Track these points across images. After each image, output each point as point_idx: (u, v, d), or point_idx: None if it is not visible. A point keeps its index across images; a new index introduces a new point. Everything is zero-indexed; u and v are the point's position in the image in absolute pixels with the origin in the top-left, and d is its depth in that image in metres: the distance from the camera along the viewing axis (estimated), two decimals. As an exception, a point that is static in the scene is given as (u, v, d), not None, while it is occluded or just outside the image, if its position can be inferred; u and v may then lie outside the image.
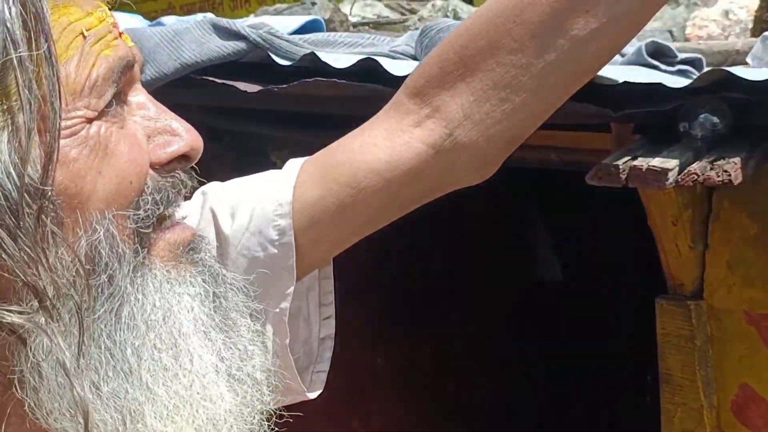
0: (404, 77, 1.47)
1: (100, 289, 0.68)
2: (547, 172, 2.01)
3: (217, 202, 0.99)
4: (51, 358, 0.64)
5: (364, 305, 2.94)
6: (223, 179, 2.50)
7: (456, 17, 2.49)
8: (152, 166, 0.73)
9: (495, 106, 0.90)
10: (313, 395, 1.01)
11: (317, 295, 1.02)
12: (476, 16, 0.91)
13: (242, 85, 1.51)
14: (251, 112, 2.04)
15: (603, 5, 0.85)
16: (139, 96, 0.74)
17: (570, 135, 1.80)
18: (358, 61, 1.45)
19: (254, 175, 1.05)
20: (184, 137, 0.74)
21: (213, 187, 1.02)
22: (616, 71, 1.32)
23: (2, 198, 0.61)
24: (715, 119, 1.39)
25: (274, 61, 1.54)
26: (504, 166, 2.08)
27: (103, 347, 0.68)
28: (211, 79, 1.55)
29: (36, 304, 0.63)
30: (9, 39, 0.61)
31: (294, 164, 1.01)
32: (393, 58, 1.61)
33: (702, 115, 1.40)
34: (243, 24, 1.54)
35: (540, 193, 3.42)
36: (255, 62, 1.59)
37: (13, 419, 0.68)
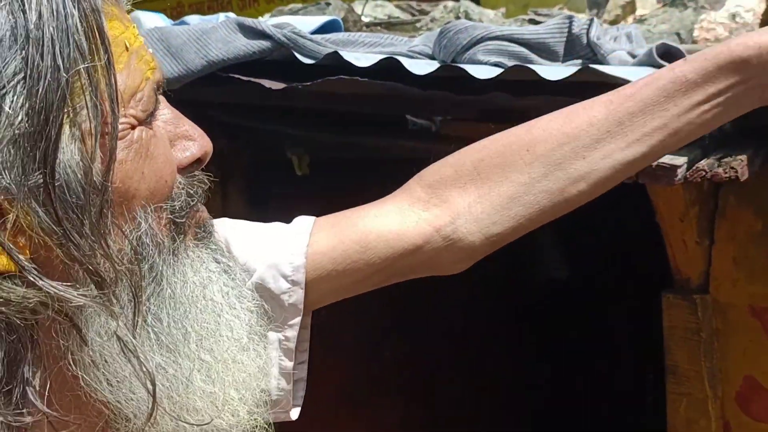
0: (424, 76, 1.53)
1: (144, 275, 0.75)
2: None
3: (231, 231, 1.06)
4: (112, 338, 0.72)
5: (370, 302, 2.98)
6: (239, 175, 2.55)
7: (467, 18, 2.54)
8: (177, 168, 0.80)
9: (495, 210, 1.07)
10: (294, 416, 1.13)
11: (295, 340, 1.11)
12: (495, 138, 1.11)
13: (267, 83, 1.57)
14: (271, 110, 2.09)
15: (598, 154, 1.04)
16: (162, 106, 0.80)
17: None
18: (380, 61, 1.50)
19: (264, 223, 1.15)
20: (200, 142, 0.81)
21: (225, 221, 1.09)
22: (628, 72, 1.37)
23: (70, 195, 0.68)
24: (723, 118, 1.44)
25: (298, 60, 1.59)
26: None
27: (149, 326, 0.75)
28: (236, 76, 1.61)
29: (95, 289, 0.70)
30: (77, 50, 0.67)
31: (305, 219, 1.13)
32: (411, 57, 1.66)
33: (710, 115, 1.45)
34: (268, 23, 1.59)
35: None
36: (278, 60, 1.65)
37: (60, 395, 0.74)
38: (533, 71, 1.38)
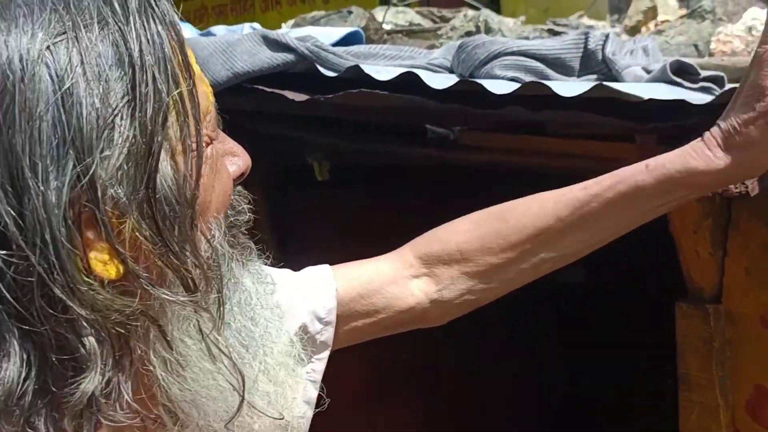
0: (442, 91, 1.57)
1: (228, 277, 0.83)
2: (570, 178, 2.09)
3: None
4: (201, 339, 0.79)
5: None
6: (260, 181, 2.59)
7: (487, 27, 2.58)
8: None
9: (475, 282, 1.28)
10: None
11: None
12: (477, 223, 1.31)
13: (290, 94, 1.61)
14: (292, 117, 2.14)
15: (564, 243, 1.25)
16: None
17: (597, 144, 1.89)
18: (400, 75, 1.54)
19: None
20: (243, 158, 0.88)
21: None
22: (642, 89, 1.41)
23: (167, 207, 0.75)
24: (735, 134, 1.48)
25: (320, 72, 1.64)
26: (528, 173, 2.17)
27: (237, 329, 0.84)
28: (261, 87, 1.65)
29: (184, 292, 0.76)
30: (172, 76, 0.75)
31: (323, 268, 1.31)
32: (431, 70, 1.70)
33: (722, 130, 1.48)
34: (291, 37, 1.64)
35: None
36: (302, 73, 1.69)
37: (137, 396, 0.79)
38: (548, 87, 1.42)
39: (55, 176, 0.71)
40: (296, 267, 2.77)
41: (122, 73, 0.73)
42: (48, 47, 0.71)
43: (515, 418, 3.53)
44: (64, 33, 0.72)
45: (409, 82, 1.57)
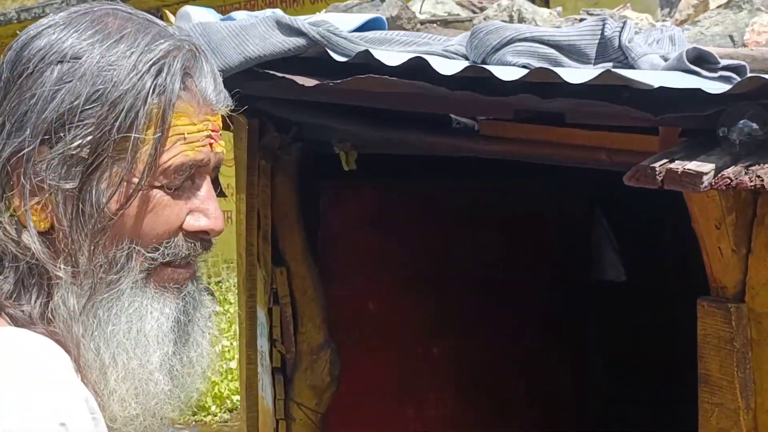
0: (451, 76, 1.54)
1: (110, 282, 0.99)
2: (613, 173, 2.04)
3: None
4: (66, 304, 0.98)
5: (422, 297, 3.01)
6: (289, 167, 2.58)
7: (520, 17, 2.53)
8: (183, 229, 1.01)
9: None
10: None
11: None
12: None
13: (300, 79, 1.60)
14: (317, 105, 2.13)
15: None
16: (203, 182, 1.03)
17: (619, 136, 1.84)
18: (409, 60, 1.52)
19: None
20: (211, 221, 1.02)
21: None
22: (653, 77, 1.36)
23: (87, 206, 0.96)
24: (754, 125, 1.42)
25: (332, 57, 1.62)
26: (563, 168, 2.13)
27: (97, 317, 0.99)
28: (271, 72, 1.64)
29: (69, 268, 0.97)
30: (134, 123, 0.95)
31: None
32: (446, 57, 1.67)
33: (741, 121, 1.43)
34: (304, 21, 1.62)
35: (605, 193, 3.44)
36: (315, 57, 1.68)
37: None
38: (556, 74, 1.38)
39: (15, 134, 0.96)
40: (325, 255, 2.77)
41: (98, 102, 0.95)
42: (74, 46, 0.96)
43: (550, 416, 3.48)
44: (92, 39, 0.96)
45: (419, 68, 1.54)
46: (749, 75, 1.47)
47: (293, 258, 2.67)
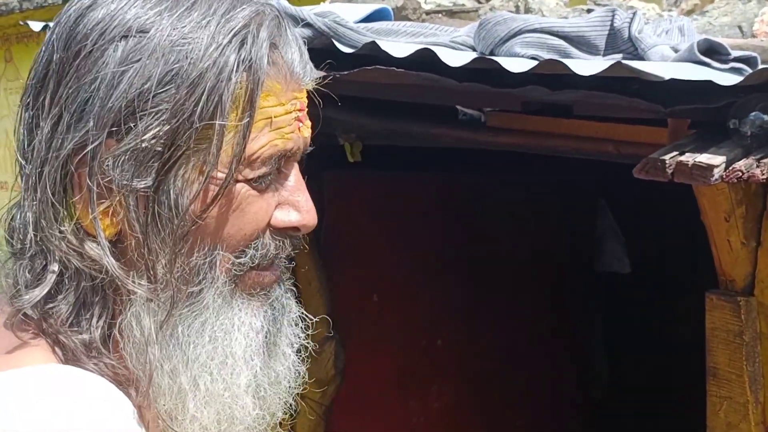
0: (458, 68, 1.53)
1: (191, 295, 0.85)
2: (620, 165, 2.03)
3: None
4: (140, 324, 0.84)
5: (426, 288, 3.00)
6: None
7: (527, 7, 2.52)
8: (271, 226, 0.88)
9: None
10: None
11: None
12: None
13: (306, 71, 1.58)
14: (322, 96, 2.11)
15: None
16: (291, 170, 0.90)
17: (628, 128, 1.82)
18: (416, 51, 1.50)
19: None
20: (302, 214, 0.89)
21: None
22: (664, 68, 1.35)
23: (164, 209, 0.82)
24: (766, 117, 1.40)
25: (338, 49, 1.61)
26: (568, 159, 2.11)
27: (176, 336, 0.86)
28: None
29: (146, 284, 0.83)
30: (218, 107, 0.81)
31: None
32: (454, 48, 1.66)
33: (753, 113, 1.41)
34: (310, 12, 1.60)
35: (611, 185, 3.43)
36: (320, 49, 1.66)
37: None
38: (565, 65, 1.37)
39: (75, 127, 0.81)
40: (329, 247, 2.76)
41: (172, 82, 0.80)
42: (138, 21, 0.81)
43: (554, 407, 3.47)
44: (159, 6, 0.82)
45: (426, 59, 1.52)
46: (761, 66, 1.45)
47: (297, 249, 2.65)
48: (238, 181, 0.84)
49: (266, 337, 0.90)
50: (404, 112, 2.21)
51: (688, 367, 3.65)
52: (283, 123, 0.86)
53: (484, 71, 1.57)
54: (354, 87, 1.72)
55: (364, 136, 2.37)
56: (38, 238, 0.84)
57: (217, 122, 0.81)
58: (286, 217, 0.88)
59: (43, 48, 0.86)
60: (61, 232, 0.83)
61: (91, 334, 0.84)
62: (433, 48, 1.49)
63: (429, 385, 3.11)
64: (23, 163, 0.85)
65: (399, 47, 1.54)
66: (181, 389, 0.85)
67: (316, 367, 2.84)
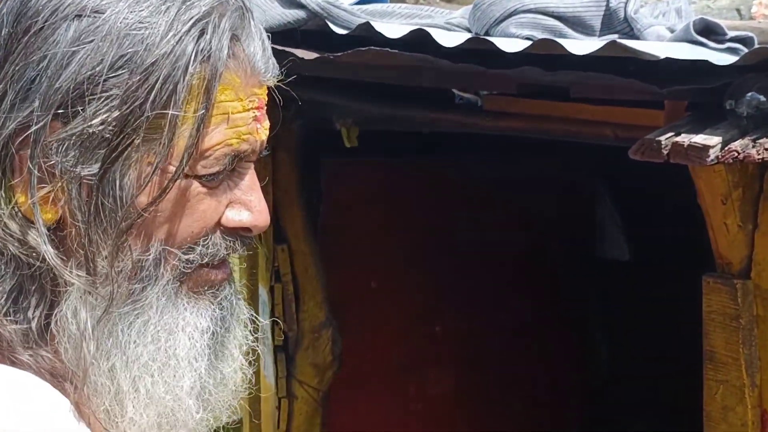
0: (453, 50, 1.52)
1: (132, 292, 0.82)
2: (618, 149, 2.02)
3: None
4: (76, 317, 0.81)
5: (424, 274, 2.99)
6: (290, 144, 2.57)
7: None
8: (221, 225, 0.85)
9: None
10: None
11: None
12: None
13: (299, 52, 1.57)
14: (320, 81, 2.10)
15: None
16: (245, 169, 0.86)
17: (625, 111, 1.82)
18: (410, 32, 1.49)
19: None
20: (254, 215, 0.86)
21: None
22: (659, 47, 1.34)
23: (108, 199, 0.79)
24: (762, 98, 1.40)
25: (332, 30, 1.60)
26: (567, 143, 2.11)
27: (115, 334, 0.82)
28: (271, 45, 1.62)
29: (84, 275, 0.80)
30: (173, 96, 0.77)
31: None
32: (449, 30, 1.65)
33: (749, 94, 1.40)
34: (304, -7, 1.59)
35: (611, 170, 3.42)
36: (315, 30, 1.65)
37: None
38: (560, 45, 1.36)
39: (19, 107, 0.77)
40: (326, 233, 2.76)
41: (125, 68, 0.77)
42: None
43: (554, 394, 3.47)
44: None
45: (421, 40, 1.52)
46: (757, 46, 1.44)
47: (294, 235, 2.65)
48: (188, 176, 0.81)
49: (213, 337, 0.87)
50: (401, 96, 2.20)
51: (689, 353, 3.65)
52: (241, 122, 0.82)
53: (479, 53, 1.56)
54: (348, 70, 1.71)
55: (360, 121, 2.37)
56: None
57: (170, 112, 0.77)
58: (237, 216, 0.85)
59: None
60: None
61: (27, 324, 0.80)
62: (427, 29, 1.48)
63: (427, 371, 3.10)
64: None
65: (393, 28, 1.53)
66: (119, 390, 0.82)
67: (313, 353, 2.84)
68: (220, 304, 0.87)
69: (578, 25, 1.49)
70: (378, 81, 1.83)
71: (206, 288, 0.86)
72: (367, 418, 2.97)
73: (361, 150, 2.50)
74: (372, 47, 1.50)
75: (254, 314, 0.93)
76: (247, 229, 0.86)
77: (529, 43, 1.42)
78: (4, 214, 0.80)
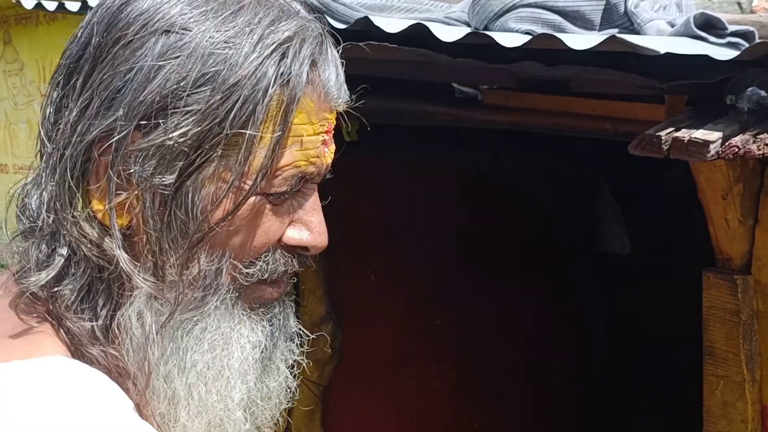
0: (452, 43, 1.51)
1: (194, 299, 0.85)
2: (618, 143, 2.01)
3: None
4: (141, 321, 0.84)
5: (424, 268, 2.99)
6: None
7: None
8: (282, 243, 0.89)
9: None
10: None
11: None
12: None
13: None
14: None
15: None
16: (310, 190, 0.89)
17: (625, 105, 1.81)
18: (410, 26, 1.48)
19: None
20: (314, 235, 0.89)
21: None
22: (660, 42, 1.33)
23: (181, 211, 0.82)
24: (763, 92, 1.38)
25: (331, 25, 1.58)
26: (565, 137, 2.10)
27: (175, 340, 0.85)
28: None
29: (153, 281, 0.83)
30: (251, 117, 0.80)
31: None
32: (448, 24, 1.64)
33: (750, 89, 1.39)
34: (302, -13, 1.58)
35: (611, 164, 3.41)
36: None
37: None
38: (559, 40, 1.35)
39: (103, 114, 0.80)
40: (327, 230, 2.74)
41: (208, 84, 0.79)
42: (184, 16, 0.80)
43: (554, 387, 3.47)
44: (205, 6, 0.80)
45: (420, 34, 1.51)
46: (758, 41, 1.43)
47: (294, 229, 2.64)
48: (258, 194, 0.84)
49: (262, 352, 0.90)
50: (400, 91, 2.19)
51: (688, 347, 3.65)
52: (311, 144, 0.85)
53: (478, 47, 1.55)
54: (348, 64, 1.70)
55: (360, 115, 2.35)
56: (50, 220, 0.83)
57: (248, 131, 0.80)
58: (297, 235, 0.88)
59: (82, 29, 0.84)
60: (74, 217, 0.82)
61: (93, 322, 0.83)
62: (426, 23, 1.47)
63: (427, 365, 3.10)
64: (46, 141, 0.84)
65: (392, 23, 1.52)
66: (174, 395, 0.85)
67: (313, 347, 2.84)
68: (270, 320, 0.91)
69: (578, 19, 1.48)
70: (377, 75, 1.82)
71: (260, 304, 0.89)
72: (367, 412, 2.97)
73: (361, 143, 2.49)
74: (371, 42, 1.49)
75: (302, 328, 0.96)
76: (306, 248, 0.89)
77: (529, 37, 1.41)
78: (80, 216, 0.82)
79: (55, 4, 2.57)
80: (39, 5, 2.83)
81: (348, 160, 2.75)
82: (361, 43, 1.50)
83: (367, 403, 2.98)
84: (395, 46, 1.48)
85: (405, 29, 1.49)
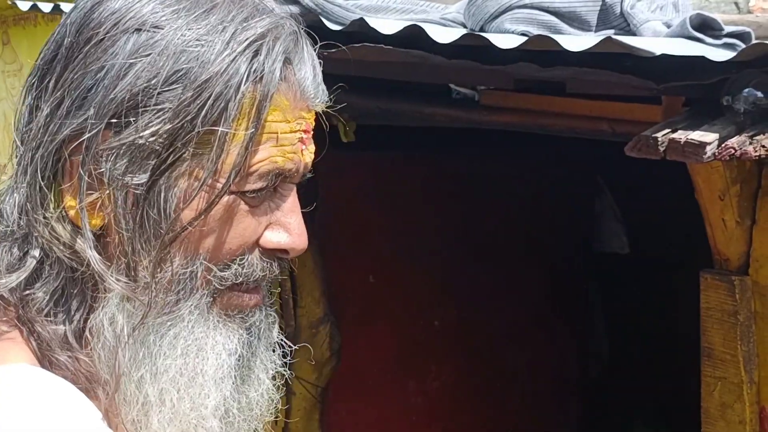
0: (448, 45, 1.50)
1: (167, 303, 0.83)
2: (616, 144, 2.01)
3: None
4: (113, 324, 0.82)
5: (422, 268, 2.98)
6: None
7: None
8: (260, 246, 0.86)
9: None
10: None
11: None
12: None
13: (293, 49, 1.55)
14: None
15: None
16: (287, 191, 0.87)
17: (622, 106, 1.80)
18: (405, 28, 1.48)
19: None
20: (292, 237, 0.87)
21: None
22: (655, 44, 1.32)
23: (154, 211, 0.80)
24: (759, 94, 1.38)
25: (326, 26, 1.58)
26: (562, 138, 2.09)
27: (147, 344, 0.83)
28: (264, 42, 1.60)
29: (126, 282, 0.81)
30: (223, 113, 0.79)
31: None
32: (444, 25, 1.63)
33: (746, 90, 1.39)
34: (297, -11, 1.58)
35: (608, 163, 3.40)
36: (308, 26, 1.63)
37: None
38: (555, 41, 1.34)
39: (74, 113, 0.79)
40: (323, 228, 2.74)
41: (180, 83, 0.78)
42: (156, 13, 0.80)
43: (554, 386, 3.47)
44: (177, 5, 0.80)
45: (415, 36, 1.50)
46: (754, 42, 1.43)
47: (292, 231, 2.64)
48: (232, 192, 0.82)
49: (239, 360, 0.88)
50: (397, 91, 2.18)
51: (687, 346, 3.65)
52: (287, 141, 0.84)
53: (474, 48, 1.55)
54: (344, 66, 1.70)
55: (357, 116, 2.35)
56: (22, 222, 0.82)
57: (220, 129, 0.79)
58: (276, 237, 0.86)
59: (56, 31, 0.84)
60: (45, 218, 0.81)
61: (66, 326, 0.82)
62: (422, 25, 1.47)
63: (426, 365, 3.10)
64: (18, 143, 0.83)
65: (387, 24, 1.52)
66: (146, 401, 0.83)
67: (311, 349, 2.84)
68: (249, 329, 0.88)
69: (574, 20, 1.48)
70: (373, 77, 1.82)
71: (237, 312, 0.87)
72: (365, 413, 2.97)
73: (358, 144, 2.48)
74: (366, 44, 1.49)
75: (284, 339, 0.94)
76: (285, 251, 0.87)
77: (525, 39, 1.40)
78: (52, 217, 0.81)
79: (51, 5, 2.57)
80: (35, 7, 2.83)
81: (346, 160, 2.77)
82: (356, 45, 1.50)
83: (366, 404, 2.98)
84: (391, 48, 1.48)
85: (401, 30, 1.49)
